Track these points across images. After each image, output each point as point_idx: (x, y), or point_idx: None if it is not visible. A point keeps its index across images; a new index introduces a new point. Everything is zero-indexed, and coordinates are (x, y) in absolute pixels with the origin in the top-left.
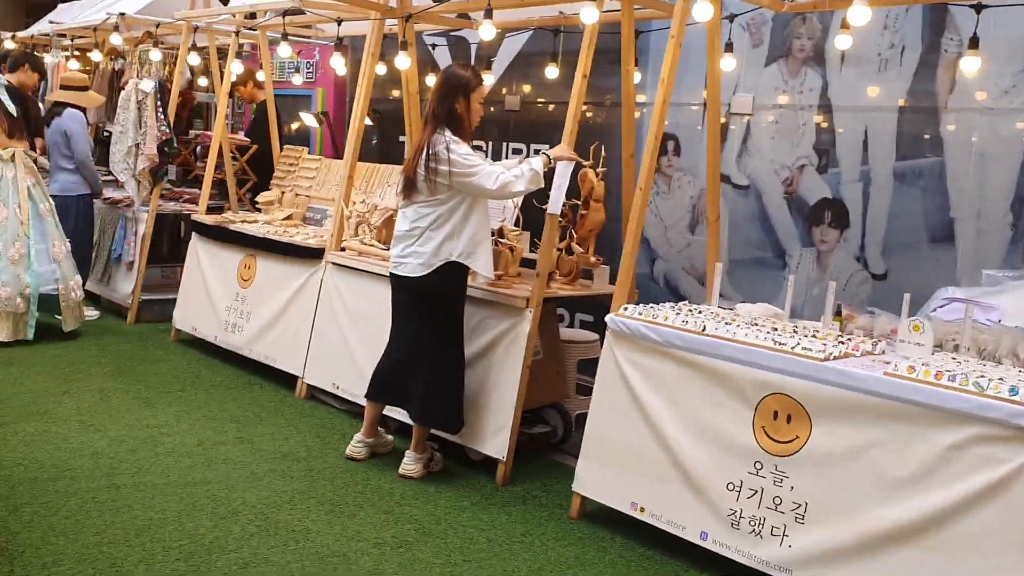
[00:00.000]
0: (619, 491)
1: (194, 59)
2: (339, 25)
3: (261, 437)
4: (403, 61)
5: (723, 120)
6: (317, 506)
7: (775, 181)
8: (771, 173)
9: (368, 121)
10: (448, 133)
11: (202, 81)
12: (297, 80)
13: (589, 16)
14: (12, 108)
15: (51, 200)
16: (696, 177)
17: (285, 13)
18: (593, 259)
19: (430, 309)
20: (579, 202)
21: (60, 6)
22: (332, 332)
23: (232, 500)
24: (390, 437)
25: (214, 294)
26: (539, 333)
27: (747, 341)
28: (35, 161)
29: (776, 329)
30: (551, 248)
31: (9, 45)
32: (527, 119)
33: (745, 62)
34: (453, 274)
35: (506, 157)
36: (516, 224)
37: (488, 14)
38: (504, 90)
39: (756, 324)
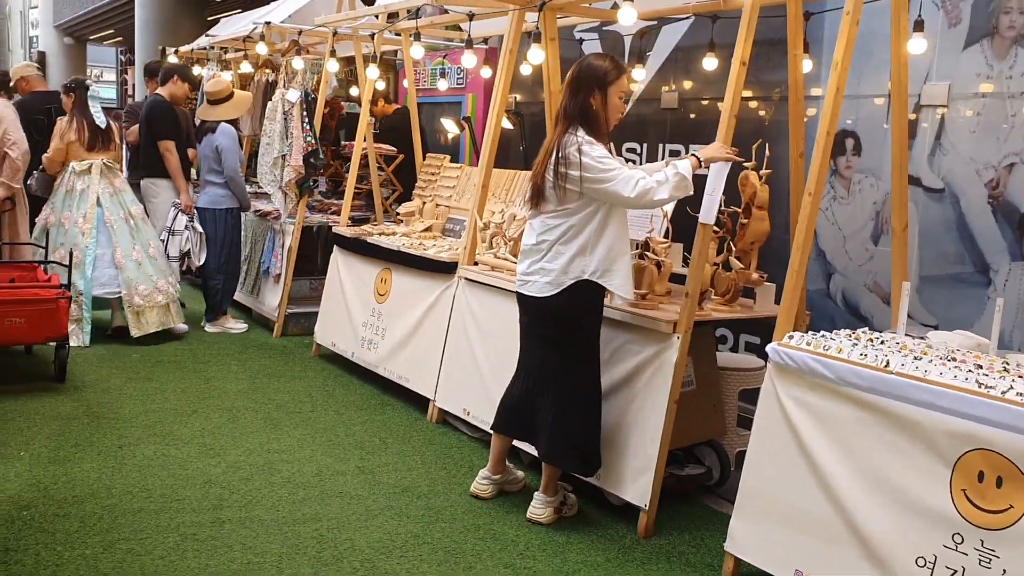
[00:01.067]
0: (780, 555)
1: (332, 66)
2: (471, 20)
3: (383, 467)
4: (536, 55)
5: (912, 114)
6: (431, 554)
7: (977, 183)
8: (972, 174)
9: (507, 124)
10: (581, 133)
11: (355, 91)
12: (443, 85)
13: None
14: (101, 120)
15: (132, 208)
16: (880, 180)
17: (418, 12)
18: (755, 275)
19: (559, 333)
20: (739, 210)
21: (222, 20)
22: (463, 353)
23: (340, 543)
24: (520, 474)
25: (352, 309)
26: (691, 360)
27: (942, 382)
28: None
29: (980, 367)
30: (704, 263)
31: (173, 60)
32: (686, 118)
33: (939, 45)
34: (586, 294)
35: (663, 160)
36: (665, 236)
37: None
38: (663, 87)
39: (954, 359)
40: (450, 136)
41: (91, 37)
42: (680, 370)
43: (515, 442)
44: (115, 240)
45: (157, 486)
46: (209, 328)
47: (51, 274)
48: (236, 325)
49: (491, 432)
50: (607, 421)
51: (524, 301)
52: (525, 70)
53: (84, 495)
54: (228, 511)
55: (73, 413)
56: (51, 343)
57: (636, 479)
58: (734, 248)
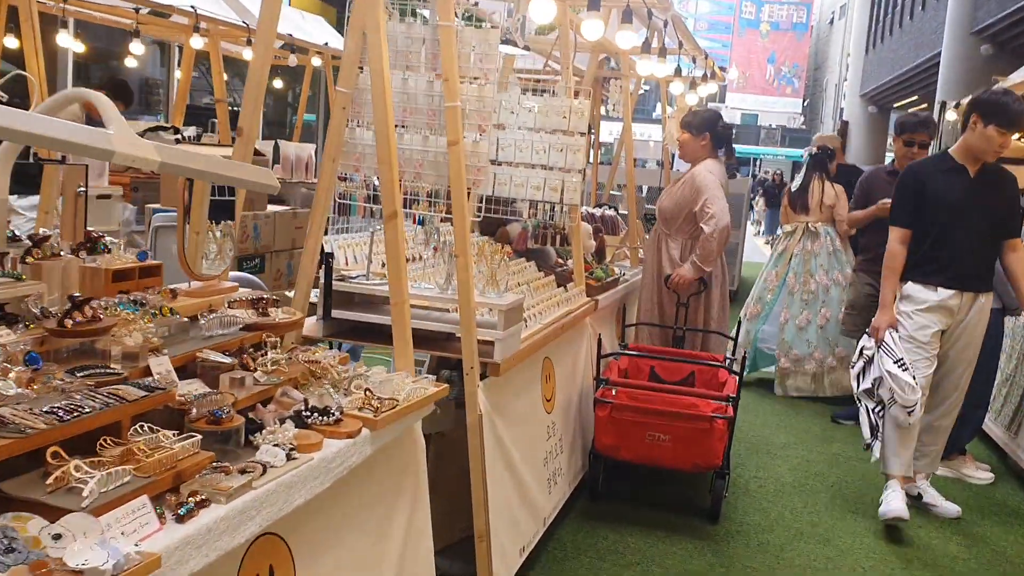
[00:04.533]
0: None
1: None
2: None
3: None
4: None
5: None
6: None
7: None
8: None
9: None
10: None
11: None
12: None
13: None
14: (796, 183)
15: (818, 273)
16: None
17: None
18: None
19: None
20: None
21: None
22: None
23: None
24: None
25: None
26: None
27: None
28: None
29: None
30: None
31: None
32: None
33: None
34: None
35: None
36: None
37: None
38: None
39: None
40: None
41: (894, 105)
42: None
43: None
44: (787, 301)
45: None
46: (940, 468)
47: (730, 378)
48: (977, 473)
49: None
50: None
51: None
52: None
53: None
54: None
55: (705, 573)
56: (700, 471)
57: None
58: None
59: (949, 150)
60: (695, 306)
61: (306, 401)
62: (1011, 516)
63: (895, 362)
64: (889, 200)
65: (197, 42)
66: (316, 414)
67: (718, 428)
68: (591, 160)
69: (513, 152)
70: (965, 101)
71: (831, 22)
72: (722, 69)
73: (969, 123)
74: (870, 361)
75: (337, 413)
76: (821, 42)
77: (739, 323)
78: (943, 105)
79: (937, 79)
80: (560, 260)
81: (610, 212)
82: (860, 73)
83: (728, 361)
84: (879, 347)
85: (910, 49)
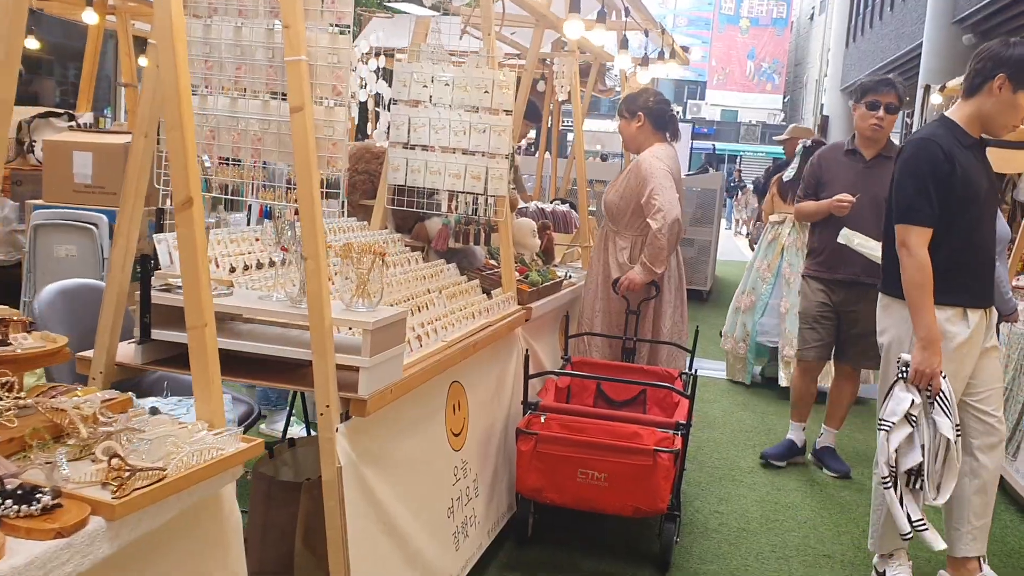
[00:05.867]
0: None
1: None
2: None
3: None
4: None
5: None
6: None
7: None
8: None
9: None
10: None
11: None
12: None
13: None
14: (788, 174)
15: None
16: None
17: None
18: None
19: None
20: None
21: None
22: None
23: None
24: None
25: None
26: None
27: None
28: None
29: None
30: None
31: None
32: None
33: None
34: None
35: None
36: None
37: None
38: None
39: None
40: None
41: None
42: None
43: None
44: (786, 293)
45: None
46: None
47: (682, 400)
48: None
49: None
50: None
51: None
52: None
53: None
54: None
55: None
56: (644, 516)
57: None
58: None
59: (952, 118)
60: (647, 313)
61: (1, 480)
62: (1011, 557)
63: (955, 427)
64: (848, 197)
65: (91, 17)
66: (11, 501)
67: (663, 464)
68: (549, 151)
69: (428, 134)
70: (964, 70)
71: (811, 17)
72: (684, 49)
73: (988, 86)
74: (917, 423)
75: (48, 496)
76: (801, 37)
77: (697, 331)
78: (927, 88)
79: (919, 70)
80: (491, 262)
81: (563, 207)
82: (841, 67)
83: (683, 377)
84: (934, 400)
85: (891, 41)
